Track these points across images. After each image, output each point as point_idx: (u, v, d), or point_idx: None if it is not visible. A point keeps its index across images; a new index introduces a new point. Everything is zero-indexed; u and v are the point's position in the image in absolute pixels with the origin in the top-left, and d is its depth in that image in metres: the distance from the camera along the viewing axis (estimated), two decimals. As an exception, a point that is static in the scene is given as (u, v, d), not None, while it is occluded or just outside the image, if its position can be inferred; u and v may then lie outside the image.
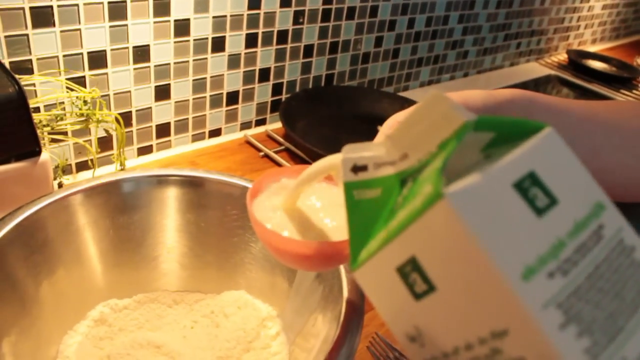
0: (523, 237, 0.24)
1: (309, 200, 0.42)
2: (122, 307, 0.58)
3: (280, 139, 1.01)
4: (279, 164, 0.94)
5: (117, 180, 0.56)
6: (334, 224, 0.41)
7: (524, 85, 1.59)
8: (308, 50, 1.10)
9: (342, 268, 0.48)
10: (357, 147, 0.31)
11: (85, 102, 0.75)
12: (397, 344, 0.60)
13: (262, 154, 0.96)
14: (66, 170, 0.84)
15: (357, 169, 0.30)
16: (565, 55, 1.90)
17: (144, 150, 0.94)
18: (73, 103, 0.75)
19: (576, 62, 1.77)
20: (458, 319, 0.25)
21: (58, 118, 0.74)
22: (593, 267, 0.25)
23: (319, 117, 1.10)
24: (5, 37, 0.72)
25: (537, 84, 1.64)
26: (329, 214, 0.42)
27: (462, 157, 0.27)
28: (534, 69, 1.76)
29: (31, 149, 0.68)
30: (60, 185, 0.79)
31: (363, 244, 0.29)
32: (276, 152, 0.97)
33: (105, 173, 0.82)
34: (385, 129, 0.44)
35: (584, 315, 0.23)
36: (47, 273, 0.52)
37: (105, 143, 0.88)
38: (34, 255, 0.51)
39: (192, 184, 0.57)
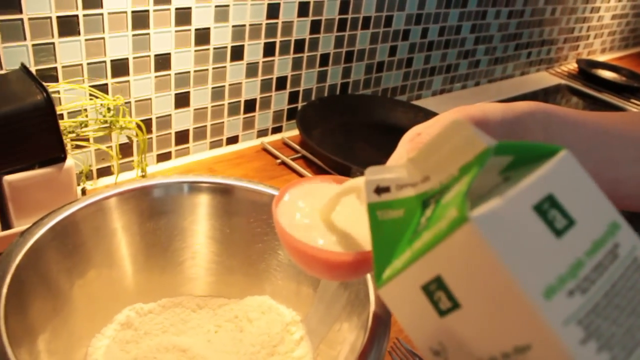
0: (544, 257, 0.25)
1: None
2: (147, 311, 0.60)
3: (297, 147, 1.02)
4: (295, 171, 0.95)
5: (149, 185, 0.57)
6: (358, 236, 0.42)
7: (534, 95, 1.60)
8: (324, 59, 1.12)
9: (368, 275, 0.49)
10: (379, 169, 0.32)
11: (108, 109, 0.76)
12: (419, 350, 0.60)
13: (279, 161, 0.98)
14: (88, 176, 0.86)
15: (380, 190, 0.31)
16: (575, 65, 1.91)
17: (163, 157, 0.95)
18: (97, 110, 0.76)
19: (586, 71, 1.78)
20: (482, 334, 0.26)
21: (82, 125, 0.76)
22: (610, 285, 0.26)
23: (334, 124, 1.12)
24: (33, 45, 0.73)
25: (547, 94, 1.65)
26: (353, 227, 0.43)
27: (482, 179, 0.28)
28: (544, 79, 1.77)
29: (57, 156, 0.70)
30: (83, 191, 0.80)
31: (387, 262, 0.31)
32: (293, 160, 0.98)
33: (132, 178, 0.83)
34: (406, 140, 0.45)
35: (603, 330, 0.25)
36: (79, 275, 0.54)
37: (125, 150, 0.89)
38: (67, 258, 0.53)
39: (220, 191, 0.58)
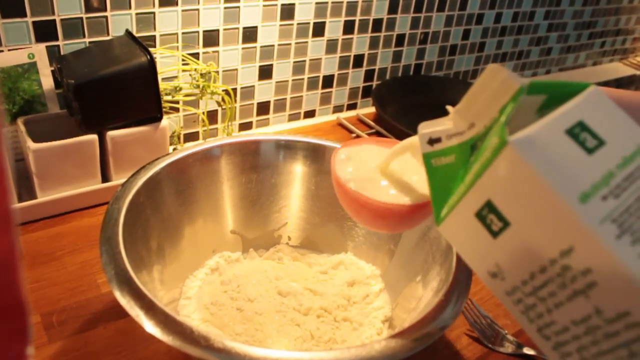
0: (577, 170, 0.29)
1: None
2: (234, 260, 0.64)
3: (371, 123, 1.06)
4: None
5: (255, 140, 0.63)
6: (408, 192, 0.45)
7: (605, 85, 1.58)
8: (400, 40, 1.14)
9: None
10: (430, 123, 0.37)
11: (201, 74, 0.81)
12: (490, 311, 0.63)
13: (354, 135, 1.01)
14: (178, 137, 0.91)
15: (432, 141, 0.36)
16: (651, 57, 1.87)
17: (245, 127, 1.00)
18: (191, 75, 0.82)
19: (662, 64, 1.74)
20: (531, 246, 0.31)
21: (177, 89, 0.81)
22: None
23: (407, 104, 1.14)
24: (136, 14, 0.79)
25: (619, 84, 1.62)
26: (404, 184, 0.46)
27: (521, 118, 0.32)
28: (618, 69, 1.74)
29: (154, 115, 0.75)
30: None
31: (444, 202, 0.35)
32: (368, 135, 1.01)
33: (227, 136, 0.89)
34: None
35: (636, 227, 0.29)
36: (188, 215, 0.60)
37: (210, 117, 0.95)
38: (180, 195, 0.59)
39: (312, 150, 0.63)
